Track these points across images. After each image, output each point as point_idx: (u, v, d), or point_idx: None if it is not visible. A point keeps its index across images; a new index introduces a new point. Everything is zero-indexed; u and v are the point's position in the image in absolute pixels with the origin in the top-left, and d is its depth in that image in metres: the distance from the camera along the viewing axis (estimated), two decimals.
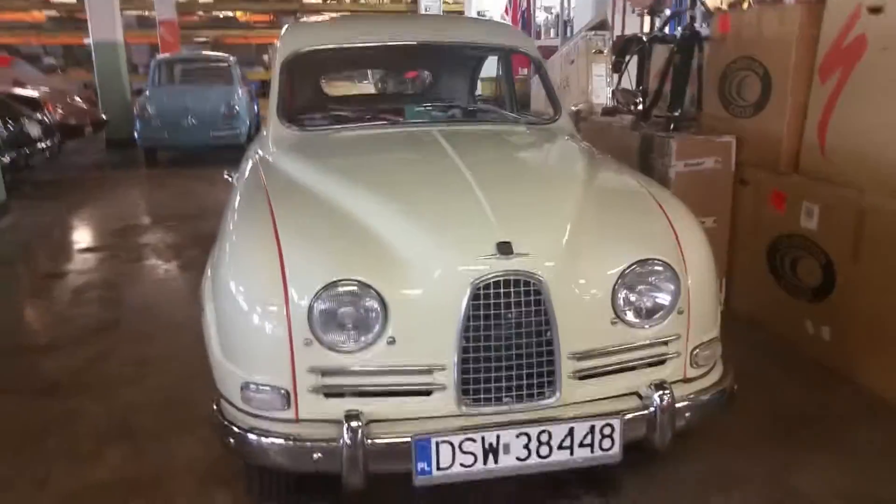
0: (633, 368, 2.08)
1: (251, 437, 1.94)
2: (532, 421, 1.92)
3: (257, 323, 1.93)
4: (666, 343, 2.09)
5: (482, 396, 1.95)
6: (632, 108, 4.62)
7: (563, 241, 2.03)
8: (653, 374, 2.08)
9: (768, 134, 3.71)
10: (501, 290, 1.90)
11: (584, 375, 2.01)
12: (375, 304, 1.89)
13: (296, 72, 3.06)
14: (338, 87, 3.72)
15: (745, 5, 5.35)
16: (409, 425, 1.91)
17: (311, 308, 1.87)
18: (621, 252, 2.07)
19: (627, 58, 4.82)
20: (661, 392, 1.99)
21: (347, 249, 1.99)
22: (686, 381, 2.15)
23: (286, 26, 3.37)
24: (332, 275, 1.89)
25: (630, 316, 2.04)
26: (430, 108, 3.08)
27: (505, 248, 1.92)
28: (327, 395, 1.93)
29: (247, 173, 2.74)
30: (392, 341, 1.91)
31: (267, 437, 1.93)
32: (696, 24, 4.05)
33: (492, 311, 1.90)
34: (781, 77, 3.60)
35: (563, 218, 2.12)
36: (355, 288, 1.89)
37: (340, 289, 1.89)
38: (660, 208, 2.28)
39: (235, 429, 1.97)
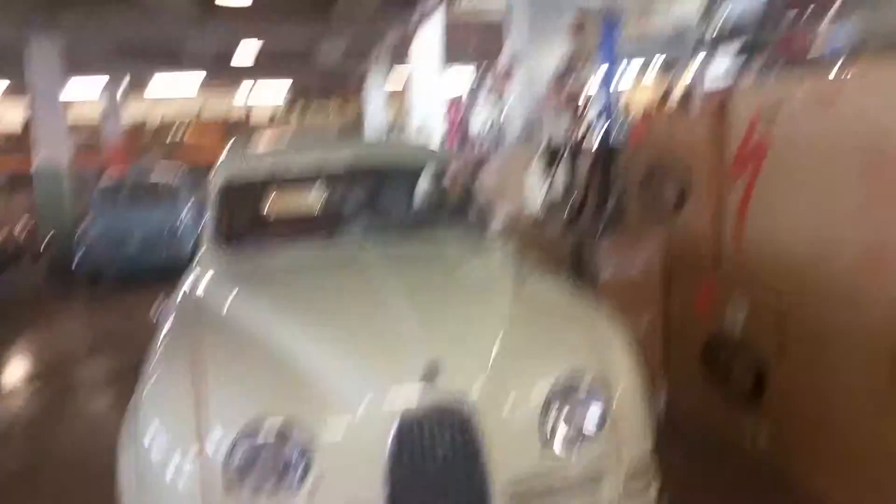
0: (568, 488, 1.99)
1: None
2: None
3: (170, 471, 1.78)
4: (599, 458, 2.01)
5: None
6: (562, 215, 4.70)
7: (490, 363, 1.97)
8: (589, 499, 1.99)
9: (689, 235, 3.79)
10: (426, 426, 1.82)
11: (519, 502, 1.91)
12: (298, 449, 1.77)
13: (230, 197, 3.05)
14: (277, 204, 3.72)
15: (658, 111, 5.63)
16: None
17: (228, 454, 1.75)
18: (547, 369, 2.02)
19: (553, 166, 4.97)
20: None
21: (269, 389, 1.89)
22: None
23: (224, 154, 3.41)
24: (252, 419, 1.78)
25: (560, 432, 1.97)
26: (362, 225, 3.03)
27: (430, 375, 1.85)
28: None
29: (176, 304, 2.63)
30: (312, 488, 1.77)
31: None
32: (610, 133, 4.20)
33: (415, 445, 1.81)
34: (695, 179, 3.72)
35: (489, 338, 2.06)
36: (276, 432, 1.78)
37: (260, 434, 1.77)
38: (586, 318, 2.27)
39: None
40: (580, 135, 4.46)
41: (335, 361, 1.93)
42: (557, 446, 1.95)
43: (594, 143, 4.23)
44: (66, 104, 12.20)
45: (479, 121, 9.49)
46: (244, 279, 2.63)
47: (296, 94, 23.39)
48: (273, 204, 3.65)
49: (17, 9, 10.42)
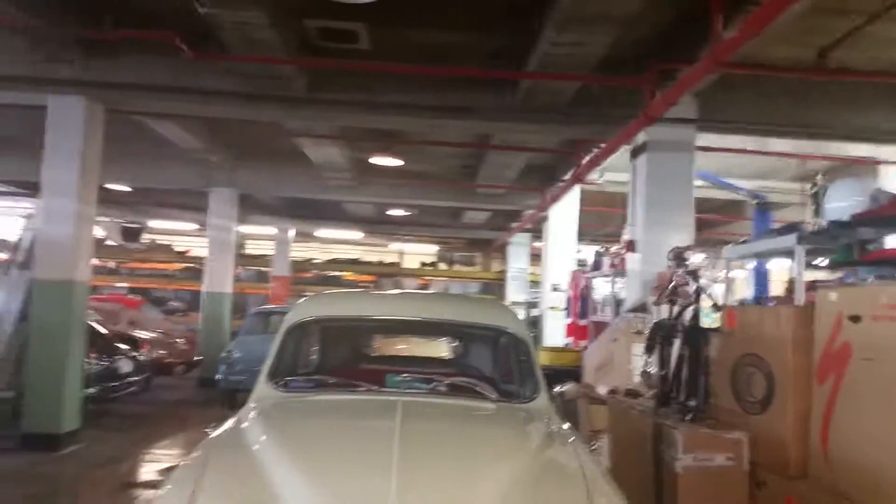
0: None
1: None
2: None
3: None
4: None
5: None
6: (653, 392, 4.62)
7: None
8: None
9: (775, 434, 3.58)
10: None
11: None
12: None
13: (293, 339, 3.40)
14: (337, 350, 4.04)
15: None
16: None
17: None
18: None
19: (656, 342, 4.93)
20: None
21: None
22: None
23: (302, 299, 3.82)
24: None
25: None
26: (409, 378, 3.27)
27: None
28: None
29: (219, 429, 2.93)
30: None
31: None
32: (699, 317, 4.17)
33: None
34: (782, 377, 3.57)
35: (462, 498, 2.11)
36: None
37: None
38: (572, 495, 2.22)
39: None
40: (678, 315, 4.44)
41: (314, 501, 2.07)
42: None
43: (689, 323, 4.20)
44: (242, 239, 13.85)
45: (601, 291, 9.58)
46: (277, 415, 2.88)
47: (445, 248, 24.80)
48: (333, 349, 3.95)
49: (203, 164, 12.34)
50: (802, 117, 7.52)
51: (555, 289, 12.68)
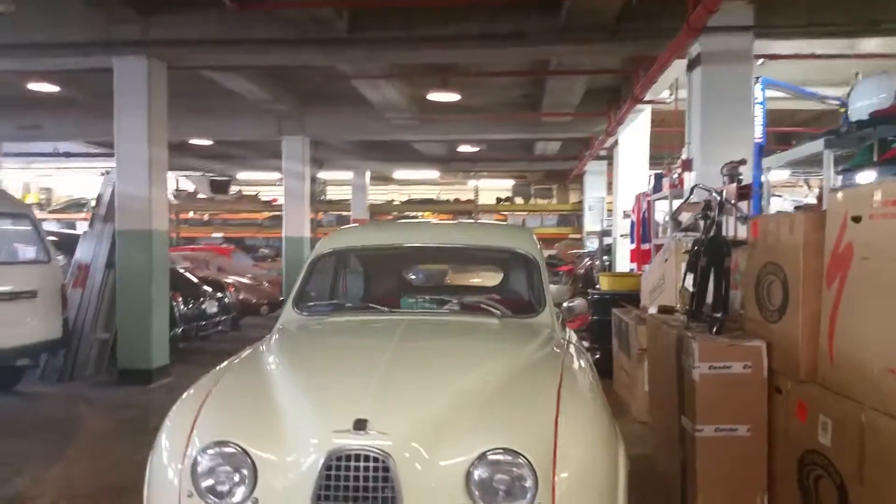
0: None
1: None
2: None
3: (162, 469, 2.32)
4: None
5: None
6: (686, 307, 4.64)
7: (416, 428, 2.19)
8: None
9: (789, 340, 3.56)
10: (352, 464, 2.11)
11: None
12: (246, 466, 2.19)
13: (318, 268, 3.69)
14: (358, 277, 4.32)
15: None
16: None
17: (193, 464, 2.22)
18: (479, 440, 2.17)
19: (690, 260, 4.91)
20: None
21: (237, 421, 2.34)
22: None
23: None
24: (213, 441, 2.24)
25: None
26: (421, 300, 3.50)
27: (360, 425, 2.14)
28: None
29: (248, 348, 3.26)
30: (255, 502, 2.17)
31: None
32: (721, 229, 4.12)
33: (341, 483, 2.10)
34: (795, 282, 3.53)
35: (433, 404, 2.30)
36: (232, 449, 2.22)
37: (216, 453, 2.22)
38: (555, 403, 2.35)
39: None
40: (708, 229, 4.40)
41: (296, 406, 2.34)
42: None
43: (710, 235, 4.17)
44: (322, 186, 14.27)
45: (660, 213, 9.38)
46: (290, 334, 3.18)
47: (520, 182, 24.64)
48: (355, 277, 4.22)
49: (273, 114, 12.75)
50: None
51: (626, 215, 12.51)
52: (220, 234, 23.68)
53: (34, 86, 10.77)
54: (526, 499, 2.10)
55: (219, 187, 23.61)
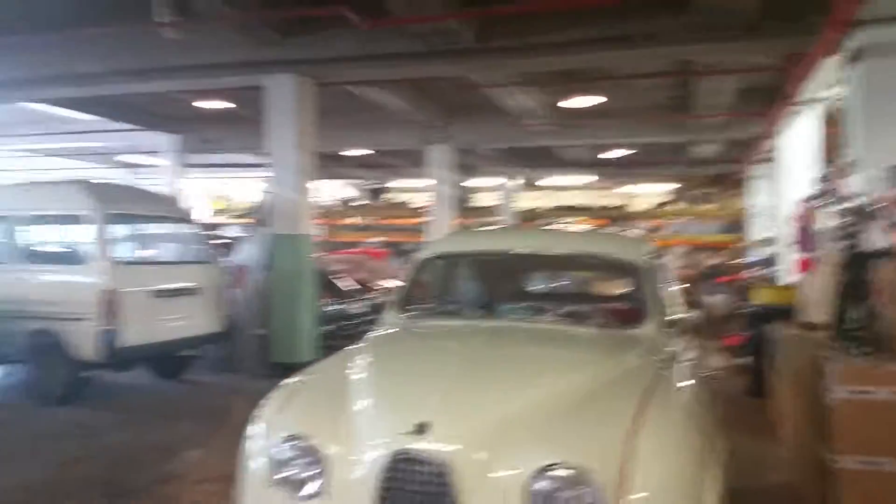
0: None
1: None
2: None
3: (249, 454, 2.52)
4: None
5: None
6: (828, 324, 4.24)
7: (484, 433, 2.19)
8: None
9: None
10: (411, 467, 2.17)
11: None
12: (315, 462, 2.33)
13: (421, 272, 3.80)
14: (460, 281, 4.34)
15: None
16: None
17: (275, 453, 2.40)
18: (541, 453, 2.14)
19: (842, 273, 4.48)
20: None
21: (316, 415, 2.48)
22: None
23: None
24: (293, 434, 2.41)
25: None
26: (519, 307, 3.46)
27: (422, 429, 2.18)
28: None
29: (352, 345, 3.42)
30: (326, 496, 2.29)
31: None
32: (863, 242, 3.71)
33: (400, 485, 2.16)
34: None
35: (498, 412, 2.29)
36: (307, 443, 2.36)
37: (294, 445, 2.39)
38: (631, 420, 2.23)
39: None
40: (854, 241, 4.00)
41: (368, 406, 2.44)
42: None
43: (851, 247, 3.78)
44: (467, 193, 14.44)
45: (821, 220, 8.54)
46: (386, 336, 3.30)
47: (677, 187, 23.52)
48: (456, 281, 4.23)
49: (417, 124, 13.12)
50: None
51: (790, 223, 11.55)
52: (377, 239, 24.85)
53: (202, 103, 12.03)
54: None
55: (373, 194, 24.80)
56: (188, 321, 7.49)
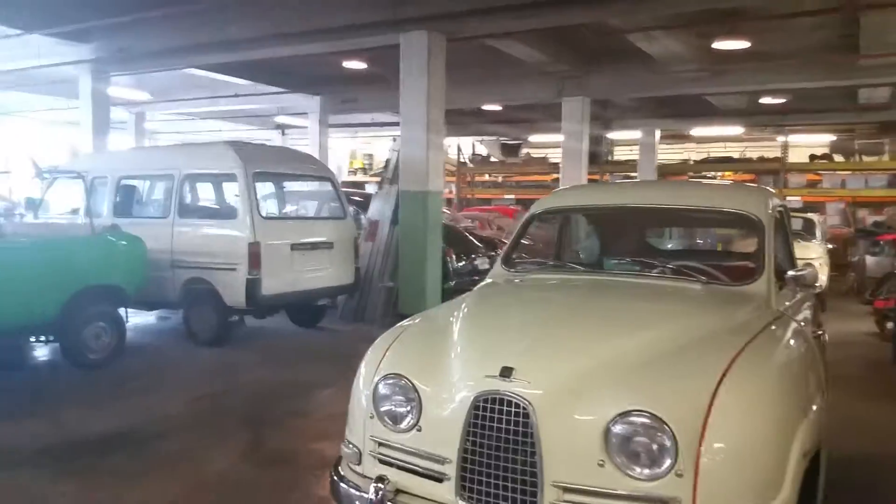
0: None
1: (335, 479, 2.69)
2: None
3: (356, 392, 2.73)
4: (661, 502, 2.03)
5: (475, 497, 2.27)
6: None
7: (565, 378, 2.24)
8: None
9: None
10: (496, 407, 2.25)
11: None
12: (414, 397, 2.48)
13: (530, 227, 3.80)
14: (569, 235, 4.28)
15: None
16: (419, 502, 2.38)
17: (374, 390, 2.58)
18: (620, 399, 2.15)
19: None
20: None
21: (411, 357, 2.63)
22: None
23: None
24: (389, 373, 2.58)
25: (620, 462, 2.09)
26: (624, 261, 3.39)
27: (506, 372, 2.27)
28: (381, 461, 2.55)
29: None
30: (419, 429, 2.44)
31: (342, 482, 2.65)
32: None
33: (486, 423, 2.26)
34: None
35: (581, 360, 2.32)
36: (403, 382, 2.53)
37: (392, 381, 2.56)
38: (721, 373, 2.19)
39: (333, 474, 2.74)
40: None
41: (461, 350, 2.56)
42: (615, 470, 2.07)
43: None
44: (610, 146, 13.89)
45: None
46: (490, 288, 3.37)
47: (842, 137, 21.34)
48: (568, 236, 4.15)
49: (553, 76, 12.86)
50: None
51: None
52: (511, 196, 24.82)
53: (348, 63, 12.45)
54: (665, 464, 2.03)
55: (510, 151, 24.67)
56: (324, 273, 7.99)
